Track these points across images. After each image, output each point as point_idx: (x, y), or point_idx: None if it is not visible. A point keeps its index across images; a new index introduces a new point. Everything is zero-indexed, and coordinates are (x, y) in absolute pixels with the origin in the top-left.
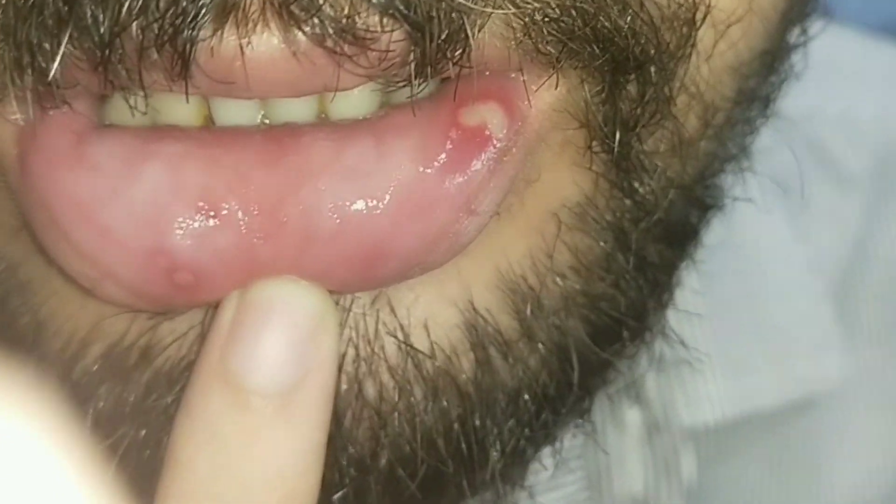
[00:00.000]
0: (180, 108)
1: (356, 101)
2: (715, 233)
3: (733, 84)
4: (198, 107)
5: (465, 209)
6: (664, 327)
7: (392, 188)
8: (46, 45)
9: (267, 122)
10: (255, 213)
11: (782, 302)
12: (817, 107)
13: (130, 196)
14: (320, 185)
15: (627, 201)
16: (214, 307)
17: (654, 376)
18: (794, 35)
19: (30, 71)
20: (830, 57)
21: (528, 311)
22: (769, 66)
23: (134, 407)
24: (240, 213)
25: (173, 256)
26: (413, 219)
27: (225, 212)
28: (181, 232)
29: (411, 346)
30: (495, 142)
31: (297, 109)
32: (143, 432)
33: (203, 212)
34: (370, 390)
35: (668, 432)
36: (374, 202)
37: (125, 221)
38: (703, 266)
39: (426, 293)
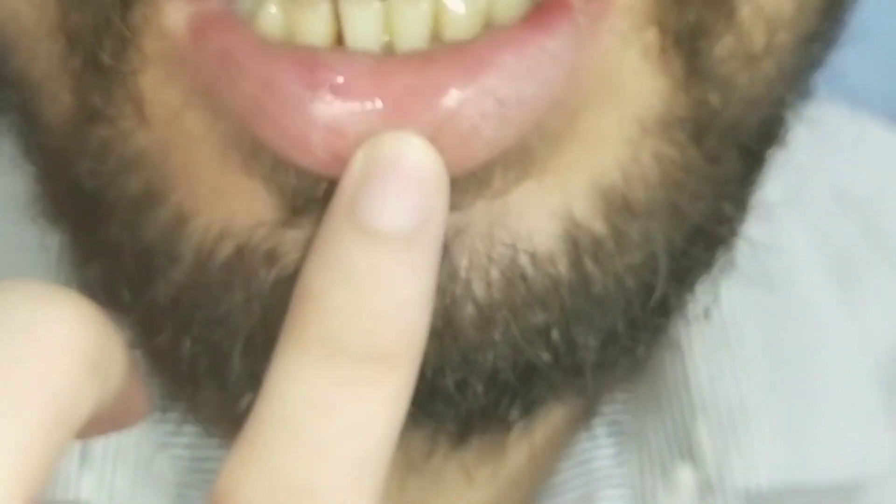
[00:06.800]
0: (315, 27)
1: (464, 23)
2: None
3: (795, 10)
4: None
5: (550, 56)
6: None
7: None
8: None
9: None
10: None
11: (830, 373)
12: (880, 191)
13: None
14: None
15: (702, 109)
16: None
17: (707, 428)
18: None
19: None
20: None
21: (619, 217)
22: (828, 7)
23: (261, 298)
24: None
25: (319, 61)
26: (504, 47)
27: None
28: (328, 51)
29: (519, 253)
30: (575, 7)
31: (415, 29)
32: (269, 321)
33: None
34: (480, 293)
35: (722, 494)
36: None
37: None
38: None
39: (532, 211)
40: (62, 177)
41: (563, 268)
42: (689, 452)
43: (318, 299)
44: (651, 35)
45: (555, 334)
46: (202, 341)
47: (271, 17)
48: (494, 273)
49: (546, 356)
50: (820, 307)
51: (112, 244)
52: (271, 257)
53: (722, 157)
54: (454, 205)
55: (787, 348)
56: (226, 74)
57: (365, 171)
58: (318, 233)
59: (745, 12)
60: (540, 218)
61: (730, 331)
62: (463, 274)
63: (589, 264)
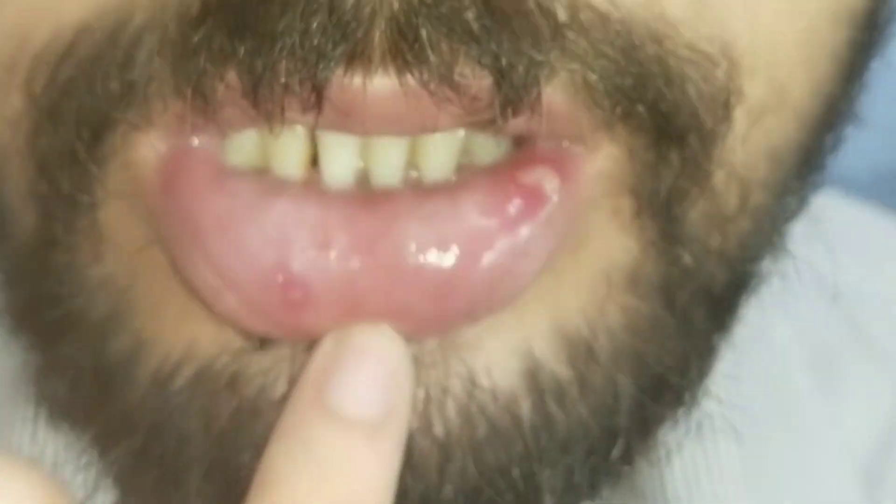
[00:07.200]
0: (290, 156)
1: (439, 162)
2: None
3: (770, 170)
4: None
5: (522, 254)
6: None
7: (461, 232)
8: (210, 77)
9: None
10: (357, 247)
11: (810, 470)
12: (861, 283)
13: (262, 220)
14: (406, 228)
15: (674, 268)
16: (300, 349)
17: None
18: (829, 140)
19: (189, 94)
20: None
21: (583, 363)
22: (806, 162)
23: (221, 428)
24: (346, 247)
25: (290, 273)
26: (478, 259)
27: (335, 244)
28: (300, 255)
29: (477, 387)
30: (549, 199)
31: (390, 166)
32: (228, 453)
33: (319, 242)
34: (438, 428)
35: None
36: (448, 244)
37: (255, 239)
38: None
39: (490, 343)
40: (25, 293)
41: (525, 408)
42: None
43: (280, 481)
44: (625, 201)
45: (516, 473)
46: (160, 466)
47: (245, 153)
48: (451, 407)
49: (508, 496)
50: (800, 403)
51: (72, 362)
52: (234, 383)
53: (692, 312)
54: (408, 336)
55: (766, 446)
56: (187, 252)
57: (334, 357)
58: (283, 414)
59: (718, 176)
60: (497, 352)
61: (705, 429)
62: (420, 407)
63: (553, 407)
